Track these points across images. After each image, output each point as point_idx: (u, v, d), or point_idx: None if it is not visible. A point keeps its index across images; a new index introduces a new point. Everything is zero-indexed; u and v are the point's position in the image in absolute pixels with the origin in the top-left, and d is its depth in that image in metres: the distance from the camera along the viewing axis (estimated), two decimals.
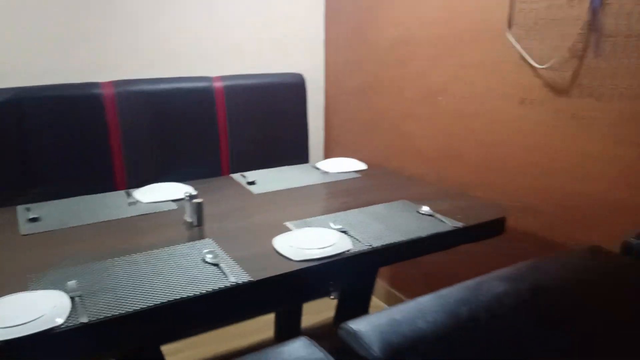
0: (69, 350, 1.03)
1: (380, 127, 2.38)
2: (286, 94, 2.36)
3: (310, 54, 2.56)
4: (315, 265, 1.26)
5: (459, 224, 1.47)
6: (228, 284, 1.15)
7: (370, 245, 1.35)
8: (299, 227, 1.47)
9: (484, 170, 1.89)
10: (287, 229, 1.45)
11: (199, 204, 1.48)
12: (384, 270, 2.49)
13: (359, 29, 2.40)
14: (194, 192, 1.55)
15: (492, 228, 1.56)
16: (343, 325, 0.54)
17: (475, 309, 0.57)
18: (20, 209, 1.60)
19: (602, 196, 1.52)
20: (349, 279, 1.52)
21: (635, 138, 1.42)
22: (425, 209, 1.58)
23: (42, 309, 1.03)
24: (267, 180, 1.90)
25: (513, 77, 1.72)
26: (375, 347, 0.51)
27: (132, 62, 2.16)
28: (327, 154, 2.77)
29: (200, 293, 1.12)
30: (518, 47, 1.68)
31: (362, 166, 2.08)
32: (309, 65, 2.55)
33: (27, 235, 1.42)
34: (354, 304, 1.97)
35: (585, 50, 1.49)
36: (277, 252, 1.30)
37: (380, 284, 2.50)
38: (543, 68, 1.62)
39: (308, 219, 1.51)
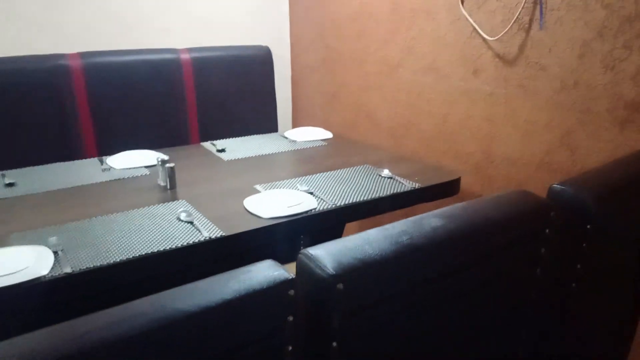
0: (54, 300, 1.10)
1: (342, 99, 2.48)
2: (253, 66, 2.42)
3: (276, 27, 2.62)
4: (284, 222, 1.36)
5: (417, 185, 1.59)
6: (202, 239, 1.25)
7: (334, 205, 1.45)
8: (267, 189, 1.56)
9: (439, 138, 2.02)
10: (257, 192, 1.54)
11: (172, 167, 1.56)
12: (352, 229, 2.61)
13: (321, 2, 2.47)
14: (166, 158, 1.63)
15: (448, 188, 1.69)
16: (302, 250, 0.64)
17: (414, 239, 0.68)
18: None
19: (544, 158, 1.66)
20: (316, 236, 1.62)
21: (574, 105, 1.56)
22: (385, 172, 1.69)
23: (27, 261, 1.10)
24: (236, 148, 1.98)
25: (466, 49, 1.83)
26: (329, 266, 0.62)
27: (99, 34, 2.19)
28: (295, 124, 2.85)
29: (177, 247, 1.21)
30: (470, 20, 1.79)
31: (328, 135, 2.18)
32: (275, 38, 2.61)
33: (4, 199, 1.47)
34: None
35: (531, 23, 1.62)
36: (248, 211, 1.40)
37: None
38: (493, 40, 1.74)
39: (276, 182, 1.61)
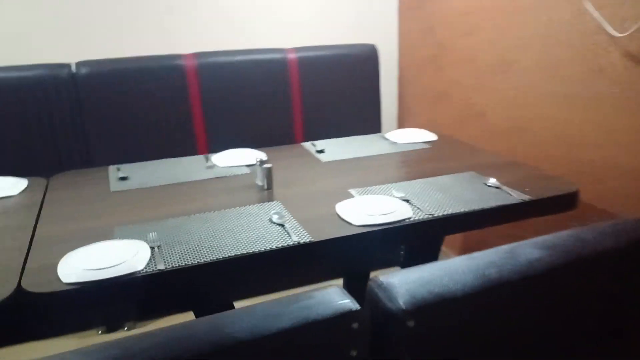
0: (147, 295, 1.15)
1: (451, 98, 2.35)
2: (359, 65, 2.38)
3: (383, 24, 2.55)
4: (375, 231, 1.30)
5: (527, 197, 1.45)
6: (290, 243, 1.23)
7: (431, 215, 1.37)
8: (362, 194, 1.51)
9: (554, 144, 1.82)
10: (351, 196, 1.50)
11: (269, 168, 1.56)
12: (453, 241, 2.48)
13: None
14: (265, 158, 1.64)
15: (564, 202, 1.52)
16: (374, 277, 0.59)
17: (504, 273, 0.59)
18: (112, 168, 1.78)
19: None
20: (409, 247, 1.55)
21: None
22: (492, 181, 1.56)
23: (125, 256, 1.16)
24: (336, 149, 1.95)
25: (589, 47, 1.63)
26: (400, 300, 0.55)
27: (211, 34, 2.28)
28: (401, 125, 2.77)
29: (265, 250, 1.21)
30: (595, 14, 1.58)
31: (432, 137, 2.08)
32: (382, 36, 2.54)
33: (116, 192, 1.58)
34: None
35: None
36: (339, 217, 1.36)
37: (449, 254, 2.50)
38: (622, 37, 1.52)
39: (371, 187, 1.55)
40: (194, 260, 1.16)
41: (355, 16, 2.48)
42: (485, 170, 1.66)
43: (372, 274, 0.63)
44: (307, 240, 1.24)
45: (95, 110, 2.08)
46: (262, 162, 1.57)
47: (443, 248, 2.19)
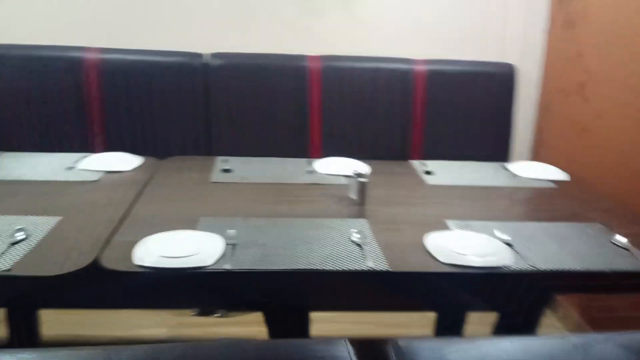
0: (214, 290, 1.15)
1: (594, 135, 2.05)
2: (493, 85, 2.19)
3: (526, 43, 2.31)
4: (462, 274, 1.16)
5: None
6: (364, 268, 1.14)
7: (533, 267, 1.18)
8: (459, 227, 1.37)
9: None
10: (446, 227, 1.36)
11: (363, 183, 1.48)
12: (579, 298, 2.16)
13: (584, 15, 2.07)
14: (366, 171, 1.57)
15: None
16: (393, 338, 0.49)
17: None
18: (219, 159, 1.83)
19: None
20: (501, 299, 1.36)
21: None
22: (621, 239, 1.31)
23: (198, 248, 1.16)
24: (446, 172, 1.81)
25: None
26: None
27: (338, 38, 2.25)
28: (533, 158, 2.50)
29: (334, 269, 1.13)
30: None
31: (562, 176, 1.83)
32: (523, 55, 2.30)
33: (214, 182, 1.61)
34: (514, 327, 1.76)
35: None
36: (426, 248, 1.24)
37: (570, 314, 2.19)
38: None
39: (473, 222, 1.40)
40: (262, 266, 1.13)
41: (495, 31, 2.28)
42: (616, 224, 1.41)
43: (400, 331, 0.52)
44: (382, 269, 1.14)
45: (220, 100, 2.16)
46: (358, 175, 1.49)
47: None
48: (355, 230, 1.30)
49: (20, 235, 1.16)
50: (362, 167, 1.76)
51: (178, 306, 2.00)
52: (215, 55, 2.15)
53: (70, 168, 1.64)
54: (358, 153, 1.96)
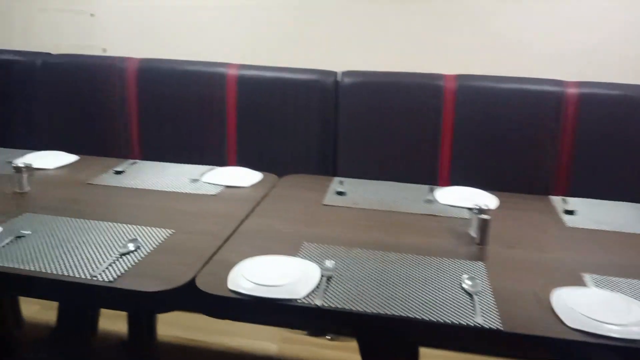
0: (301, 324, 1.09)
1: None
2: None
3: None
4: (592, 344, 0.95)
5: None
6: (471, 324, 0.99)
7: None
8: (598, 284, 1.14)
9: None
10: (581, 283, 1.14)
11: (485, 221, 1.32)
12: None
13: None
14: (492, 205, 1.40)
15: None
16: None
17: None
18: (336, 180, 1.78)
19: None
20: None
21: None
22: None
23: (292, 277, 1.11)
24: (592, 213, 1.54)
25: None
26: None
27: (477, 57, 2.07)
28: None
29: (434, 320, 1.00)
30: None
31: None
32: None
33: (326, 205, 1.56)
34: None
35: None
36: (552, 307, 1.04)
37: None
38: None
39: (616, 279, 1.16)
40: (354, 306, 1.04)
41: None
42: None
43: None
44: (492, 327, 0.98)
45: (349, 119, 2.12)
46: (480, 211, 1.33)
47: None
48: (468, 276, 1.15)
49: (131, 246, 1.22)
50: (489, 199, 1.58)
51: (284, 325, 1.99)
52: (347, 73, 2.11)
53: (195, 180, 1.71)
54: (490, 183, 1.77)
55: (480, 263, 1.22)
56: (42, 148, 1.97)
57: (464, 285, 1.12)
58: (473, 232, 1.36)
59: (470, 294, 1.09)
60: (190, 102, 2.17)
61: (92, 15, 2.39)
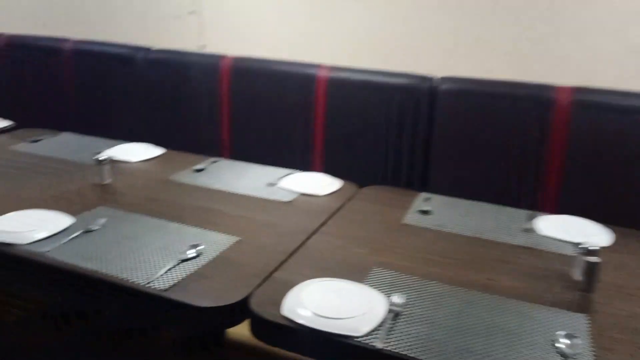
0: None
1: None
2: None
3: None
4: None
5: None
6: None
7: None
8: None
9: None
10: None
11: (594, 264, 1.10)
12: None
13: None
14: (604, 242, 1.17)
15: None
16: None
17: None
18: (421, 196, 1.61)
19: None
20: None
21: None
22: None
23: (354, 311, 0.98)
24: None
25: None
26: None
27: (599, 68, 1.80)
28: None
29: None
30: None
31: None
32: None
33: (406, 224, 1.41)
34: None
35: None
36: None
37: None
38: None
39: None
40: (420, 355, 0.89)
41: None
42: None
43: None
44: None
45: (446, 130, 1.93)
46: (587, 252, 1.11)
47: None
48: (566, 333, 0.95)
49: (192, 253, 1.16)
50: (602, 234, 1.34)
51: None
52: (446, 79, 1.93)
53: (272, 185, 1.64)
54: (603, 214, 1.51)
55: (582, 316, 1.01)
56: (134, 139, 2.01)
57: (558, 344, 0.92)
58: (577, 275, 1.14)
59: (564, 356, 0.89)
60: (278, 103, 2.11)
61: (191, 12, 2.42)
